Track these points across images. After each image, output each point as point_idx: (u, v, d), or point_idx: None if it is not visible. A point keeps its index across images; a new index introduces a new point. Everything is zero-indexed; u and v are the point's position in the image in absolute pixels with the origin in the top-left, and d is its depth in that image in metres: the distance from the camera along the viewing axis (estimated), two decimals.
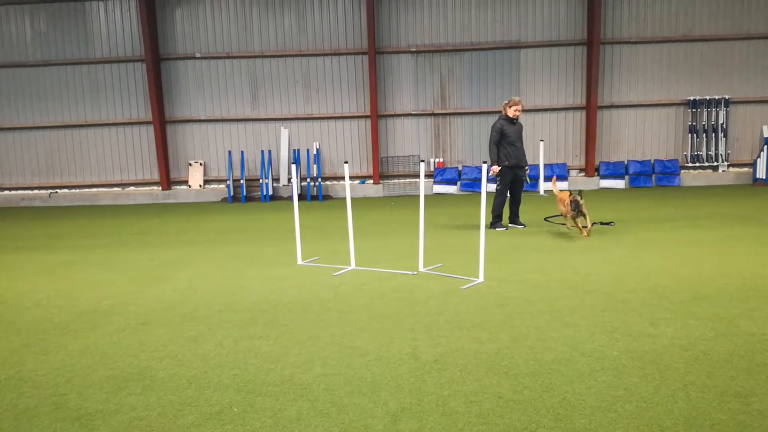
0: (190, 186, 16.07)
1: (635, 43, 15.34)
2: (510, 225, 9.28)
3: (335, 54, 15.62)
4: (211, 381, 3.64)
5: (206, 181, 16.22)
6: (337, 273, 6.49)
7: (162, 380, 3.68)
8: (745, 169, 15.61)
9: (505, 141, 8.86)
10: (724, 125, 15.41)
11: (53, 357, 4.15)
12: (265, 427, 3.05)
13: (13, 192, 16.30)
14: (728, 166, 15.70)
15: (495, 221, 9.13)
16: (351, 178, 15.79)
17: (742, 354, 3.78)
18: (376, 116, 15.46)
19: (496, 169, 8.80)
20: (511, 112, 8.90)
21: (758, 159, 15.00)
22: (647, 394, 3.26)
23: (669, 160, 15.54)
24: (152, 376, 3.75)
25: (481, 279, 5.88)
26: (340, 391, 3.44)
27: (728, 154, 15.58)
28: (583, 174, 15.82)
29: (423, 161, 6.95)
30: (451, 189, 15.55)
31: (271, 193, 15.23)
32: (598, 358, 3.79)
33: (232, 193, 15.23)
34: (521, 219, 9.38)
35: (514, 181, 9.07)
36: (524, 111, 15.51)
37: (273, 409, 3.24)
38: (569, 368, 3.64)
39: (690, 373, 3.51)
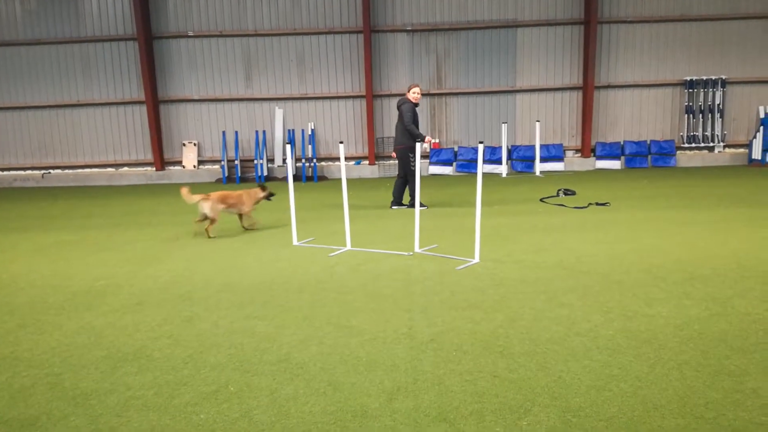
0: (184, 166, 15.98)
1: (632, 22, 15.23)
2: (401, 206, 9.59)
3: (330, 32, 15.45)
4: (207, 360, 3.64)
5: (200, 162, 16.13)
6: (333, 254, 6.48)
7: (158, 360, 3.68)
8: (741, 150, 15.62)
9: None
10: (721, 106, 15.39)
11: (48, 337, 4.15)
12: (262, 405, 3.06)
13: (5, 173, 16.19)
14: (724, 146, 15.71)
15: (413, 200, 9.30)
16: (346, 158, 15.73)
17: (737, 333, 3.80)
18: (372, 96, 15.34)
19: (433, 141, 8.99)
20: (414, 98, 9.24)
21: (754, 140, 15.02)
22: (642, 373, 3.28)
23: (665, 141, 15.52)
24: (148, 355, 3.75)
25: (476, 260, 5.88)
26: (336, 370, 3.45)
27: (724, 134, 15.57)
28: (579, 155, 15.80)
29: (420, 141, 6.90)
30: (447, 170, 15.50)
31: (265, 173, 15.16)
32: (593, 337, 3.81)
33: (226, 174, 15.17)
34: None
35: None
36: (521, 91, 15.65)
37: (269, 388, 3.25)
38: (564, 348, 3.65)
39: (684, 353, 3.53)
